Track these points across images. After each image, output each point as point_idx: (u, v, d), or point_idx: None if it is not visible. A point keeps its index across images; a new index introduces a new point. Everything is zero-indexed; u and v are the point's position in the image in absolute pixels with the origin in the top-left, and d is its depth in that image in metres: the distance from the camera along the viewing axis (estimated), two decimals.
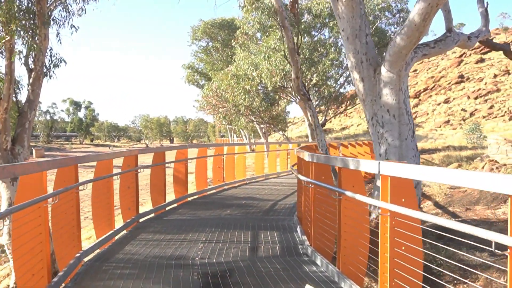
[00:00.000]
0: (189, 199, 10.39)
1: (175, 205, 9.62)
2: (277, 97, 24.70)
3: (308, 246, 5.78)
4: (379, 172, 3.62)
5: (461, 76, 63.91)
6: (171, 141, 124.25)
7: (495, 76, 62.04)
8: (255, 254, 5.73)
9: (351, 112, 61.03)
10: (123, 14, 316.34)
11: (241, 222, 7.64)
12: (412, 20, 6.77)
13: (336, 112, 29.68)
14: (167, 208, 9.17)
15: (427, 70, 69.69)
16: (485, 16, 9.24)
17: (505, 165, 12.93)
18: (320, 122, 27.90)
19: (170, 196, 10.45)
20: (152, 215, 8.51)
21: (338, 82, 25.06)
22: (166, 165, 9.22)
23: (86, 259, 5.47)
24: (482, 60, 65.87)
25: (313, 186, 5.49)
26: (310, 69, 20.96)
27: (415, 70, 69.26)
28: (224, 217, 8.24)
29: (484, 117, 55.07)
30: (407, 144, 7.62)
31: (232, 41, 24.19)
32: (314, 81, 22.31)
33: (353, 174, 4.44)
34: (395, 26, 23.65)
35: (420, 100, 63.01)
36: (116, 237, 6.69)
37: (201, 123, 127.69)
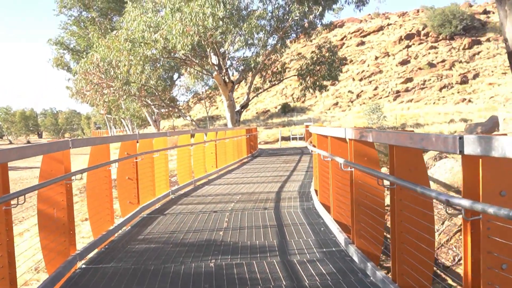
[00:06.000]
0: (80, 264, 4.43)
1: None
2: (182, 71, 18.76)
3: None
4: None
5: (345, 59, 63.27)
6: (40, 135, 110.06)
7: (376, 58, 62.76)
8: None
9: (238, 98, 56.87)
10: None
11: None
12: None
13: (258, 88, 23.87)
14: None
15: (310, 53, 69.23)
16: None
17: None
18: (242, 103, 22.24)
19: (30, 263, 4.47)
20: None
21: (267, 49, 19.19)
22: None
23: None
24: (362, 43, 66.19)
25: None
26: (233, 30, 15.11)
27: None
28: None
29: (370, 98, 54.87)
30: None
31: None
32: (236, 46, 16.65)
33: None
34: None
35: None
36: None
37: (73, 114, 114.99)
